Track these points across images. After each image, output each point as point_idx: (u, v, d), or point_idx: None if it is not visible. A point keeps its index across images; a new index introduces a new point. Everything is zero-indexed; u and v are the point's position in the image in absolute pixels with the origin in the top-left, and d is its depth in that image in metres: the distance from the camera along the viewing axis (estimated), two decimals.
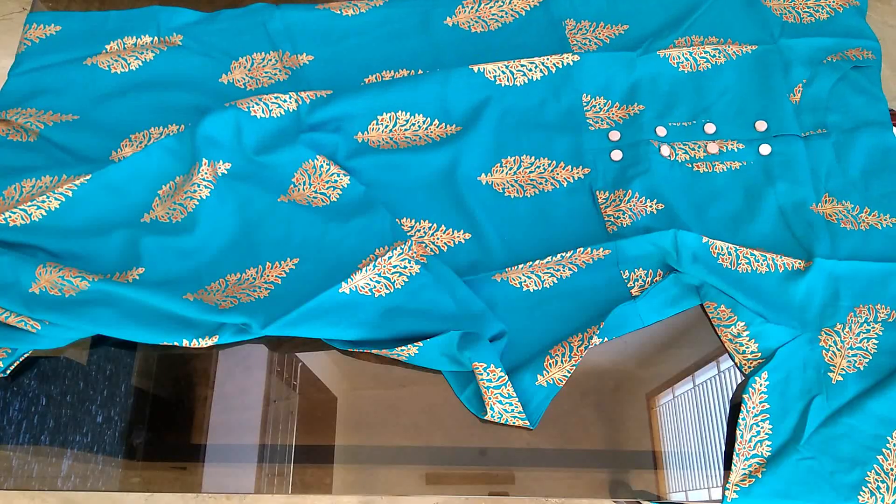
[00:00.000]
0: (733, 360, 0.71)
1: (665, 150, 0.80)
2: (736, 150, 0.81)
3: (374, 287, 0.70)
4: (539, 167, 0.81)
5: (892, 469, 0.66)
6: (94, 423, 0.71)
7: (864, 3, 0.90)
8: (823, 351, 0.70)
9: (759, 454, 0.67)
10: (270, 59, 0.88)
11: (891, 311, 0.72)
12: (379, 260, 0.70)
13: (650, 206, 0.77)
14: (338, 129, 0.82)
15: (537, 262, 0.73)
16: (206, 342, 0.67)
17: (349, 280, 0.69)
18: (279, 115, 0.80)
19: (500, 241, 0.76)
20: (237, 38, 0.90)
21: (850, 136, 0.80)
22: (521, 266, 0.73)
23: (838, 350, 0.70)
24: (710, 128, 0.82)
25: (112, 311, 0.68)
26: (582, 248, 0.73)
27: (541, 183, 0.80)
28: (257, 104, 0.79)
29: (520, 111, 0.84)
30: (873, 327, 0.71)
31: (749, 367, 0.70)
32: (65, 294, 0.69)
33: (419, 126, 0.83)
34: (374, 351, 0.69)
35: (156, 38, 0.90)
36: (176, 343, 0.67)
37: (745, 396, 0.68)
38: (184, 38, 0.89)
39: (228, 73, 0.88)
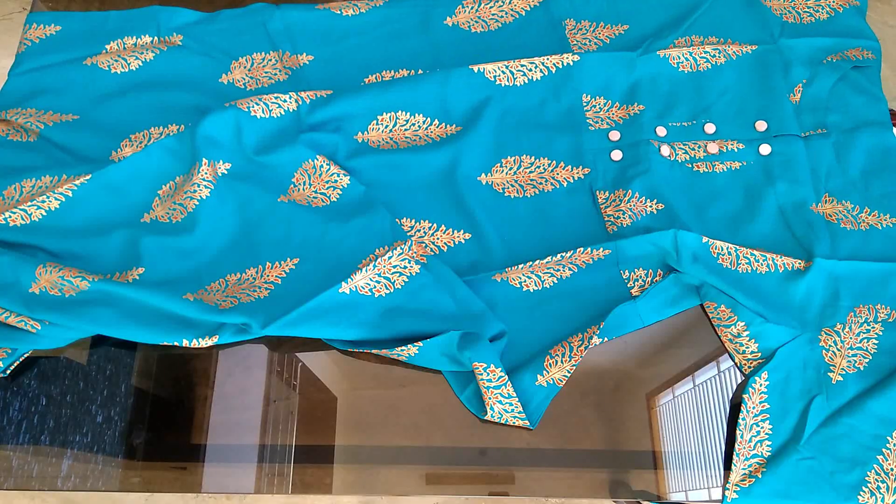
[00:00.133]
0: (733, 360, 0.71)
1: (665, 150, 0.80)
2: (736, 150, 0.81)
3: (374, 287, 0.70)
4: (539, 167, 0.81)
5: (892, 469, 0.65)
6: (94, 423, 0.71)
7: (864, 3, 0.90)
8: (823, 351, 0.70)
9: (759, 454, 0.67)
10: (270, 59, 0.88)
11: (891, 311, 0.72)
12: (379, 260, 0.70)
13: (650, 206, 0.77)
14: (338, 129, 0.82)
15: (537, 262, 0.73)
16: (206, 342, 0.67)
17: (349, 280, 0.69)
18: (279, 115, 0.80)
19: (500, 241, 0.76)
20: (237, 38, 0.90)
21: (850, 136, 0.80)
22: (521, 266, 0.73)
23: (838, 350, 0.70)
24: (710, 128, 0.82)
25: (112, 311, 0.68)
26: (582, 248, 0.73)
27: (541, 183, 0.80)
28: (257, 104, 0.79)
29: (520, 111, 0.84)
30: (873, 327, 0.71)
31: (749, 367, 0.70)
32: (65, 294, 0.69)
33: (419, 126, 0.83)
34: (374, 351, 0.69)
35: (156, 38, 0.90)
36: (176, 343, 0.67)
37: (745, 396, 0.68)
38: (184, 38, 0.89)
39: (228, 73, 0.88)
